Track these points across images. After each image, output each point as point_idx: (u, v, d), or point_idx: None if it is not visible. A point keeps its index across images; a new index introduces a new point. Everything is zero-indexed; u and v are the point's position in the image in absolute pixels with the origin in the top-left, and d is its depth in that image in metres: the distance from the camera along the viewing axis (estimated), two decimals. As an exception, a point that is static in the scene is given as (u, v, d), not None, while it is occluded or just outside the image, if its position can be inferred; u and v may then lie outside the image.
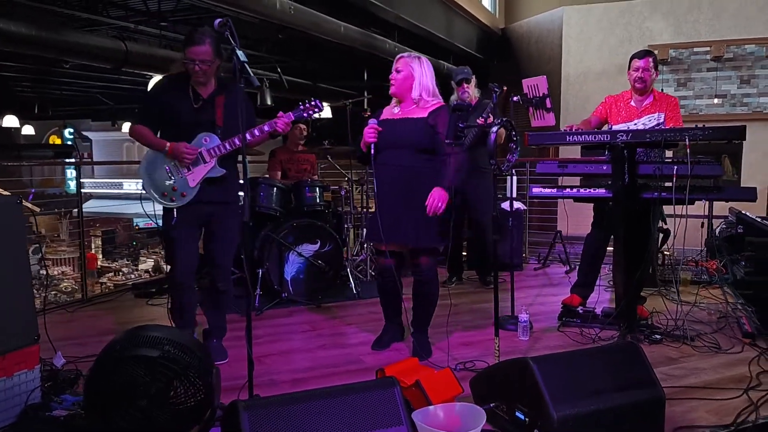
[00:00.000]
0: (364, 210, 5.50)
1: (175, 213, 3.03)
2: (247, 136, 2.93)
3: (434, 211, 2.93)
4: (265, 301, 4.22)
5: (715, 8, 7.43)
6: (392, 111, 3.16)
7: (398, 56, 3.12)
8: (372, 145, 3.07)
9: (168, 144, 2.97)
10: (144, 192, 3.05)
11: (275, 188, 4.46)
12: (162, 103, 3.03)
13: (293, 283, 4.32)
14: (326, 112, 9.76)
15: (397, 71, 3.08)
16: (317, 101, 3.08)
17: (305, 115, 3.10)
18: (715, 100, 7.38)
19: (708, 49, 7.36)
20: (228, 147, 3.00)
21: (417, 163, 3.05)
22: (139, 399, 2.03)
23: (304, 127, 5.22)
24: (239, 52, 2.26)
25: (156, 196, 3.02)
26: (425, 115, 3.04)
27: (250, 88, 2.27)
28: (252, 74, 2.25)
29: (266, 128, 3.02)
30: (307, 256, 4.36)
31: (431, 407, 2.16)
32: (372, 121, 3.09)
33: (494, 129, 2.62)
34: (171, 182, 3.00)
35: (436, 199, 2.92)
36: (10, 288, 2.38)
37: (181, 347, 2.09)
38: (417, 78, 3.05)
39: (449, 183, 2.97)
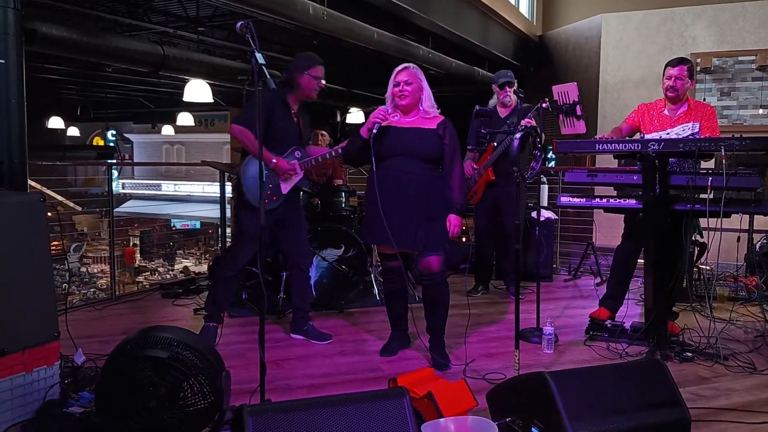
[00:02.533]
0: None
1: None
2: (326, 155, 3.47)
3: (454, 236, 3.13)
4: (287, 305, 4.21)
5: (761, 16, 7.18)
6: (391, 118, 3.14)
7: (402, 68, 3.14)
8: (375, 128, 3.02)
9: (275, 159, 3.31)
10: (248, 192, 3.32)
11: (301, 192, 4.46)
12: (271, 114, 3.31)
13: (316, 287, 4.30)
14: (358, 117, 9.79)
15: (408, 83, 3.10)
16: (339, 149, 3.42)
17: (333, 155, 3.45)
18: (760, 111, 7.13)
19: (753, 58, 7.12)
20: (313, 162, 3.46)
21: (423, 171, 3.09)
22: (149, 399, 2.03)
23: (325, 133, 5.24)
24: (258, 55, 2.26)
25: (254, 196, 3.29)
26: (434, 126, 3.11)
27: (267, 89, 2.27)
28: (269, 77, 2.24)
29: (339, 150, 3.35)
30: (331, 261, 4.35)
31: (442, 420, 2.11)
32: (382, 107, 3.09)
33: (517, 136, 2.56)
34: (270, 185, 3.35)
35: (455, 226, 3.09)
36: (30, 284, 2.41)
37: (192, 349, 2.09)
38: (425, 89, 3.13)
39: (460, 201, 3.11)
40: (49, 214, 2.70)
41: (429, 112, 3.13)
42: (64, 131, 16.10)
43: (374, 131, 3.02)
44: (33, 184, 3.51)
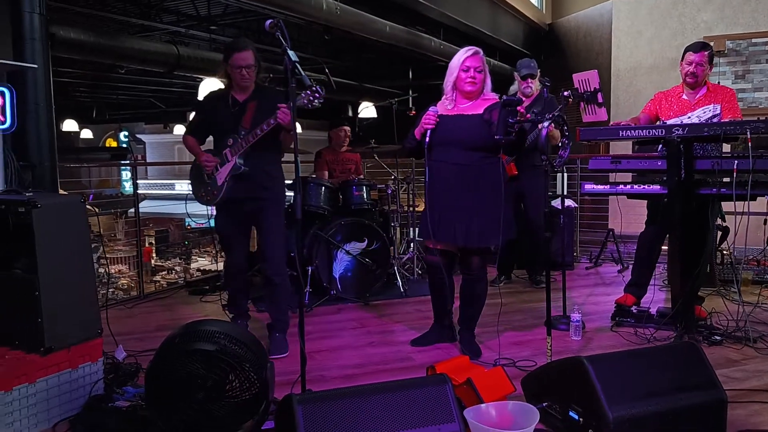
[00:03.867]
0: (411, 209, 5.50)
1: (214, 210, 3.41)
2: (257, 131, 3.11)
3: None
4: (314, 298, 4.27)
5: (776, -3, 7.13)
6: (446, 108, 3.07)
7: (472, 53, 2.99)
8: (428, 134, 2.99)
9: (201, 155, 3.34)
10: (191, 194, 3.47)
11: (323, 187, 4.51)
12: (206, 115, 3.41)
13: (341, 280, 4.36)
14: (372, 112, 9.81)
15: (479, 70, 2.99)
16: (318, 87, 2.84)
17: (305, 102, 2.85)
18: (776, 93, 7.09)
19: (767, 39, 7.06)
20: (244, 144, 3.16)
21: (470, 161, 2.99)
22: (197, 392, 2.08)
23: (348, 129, 5.21)
24: (290, 53, 2.29)
25: (197, 196, 3.39)
26: (480, 111, 3.00)
27: (301, 88, 2.31)
28: (303, 74, 2.28)
29: (272, 122, 3.06)
30: (355, 254, 4.39)
31: (483, 405, 2.15)
32: (432, 109, 3.03)
33: (545, 125, 2.58)
34: (208, 182, 3.32)
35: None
36: (75, 284, 2.48)
37: (237, 342, 2.14)
38: (488, 74, 3.04)
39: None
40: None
41: (488, 96, 3.03)
42: (77, 134, 16.22)
43: (427, 139, 2.99)
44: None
